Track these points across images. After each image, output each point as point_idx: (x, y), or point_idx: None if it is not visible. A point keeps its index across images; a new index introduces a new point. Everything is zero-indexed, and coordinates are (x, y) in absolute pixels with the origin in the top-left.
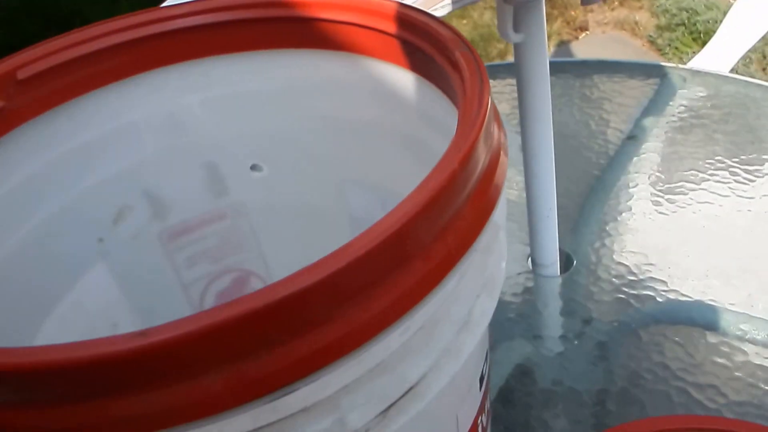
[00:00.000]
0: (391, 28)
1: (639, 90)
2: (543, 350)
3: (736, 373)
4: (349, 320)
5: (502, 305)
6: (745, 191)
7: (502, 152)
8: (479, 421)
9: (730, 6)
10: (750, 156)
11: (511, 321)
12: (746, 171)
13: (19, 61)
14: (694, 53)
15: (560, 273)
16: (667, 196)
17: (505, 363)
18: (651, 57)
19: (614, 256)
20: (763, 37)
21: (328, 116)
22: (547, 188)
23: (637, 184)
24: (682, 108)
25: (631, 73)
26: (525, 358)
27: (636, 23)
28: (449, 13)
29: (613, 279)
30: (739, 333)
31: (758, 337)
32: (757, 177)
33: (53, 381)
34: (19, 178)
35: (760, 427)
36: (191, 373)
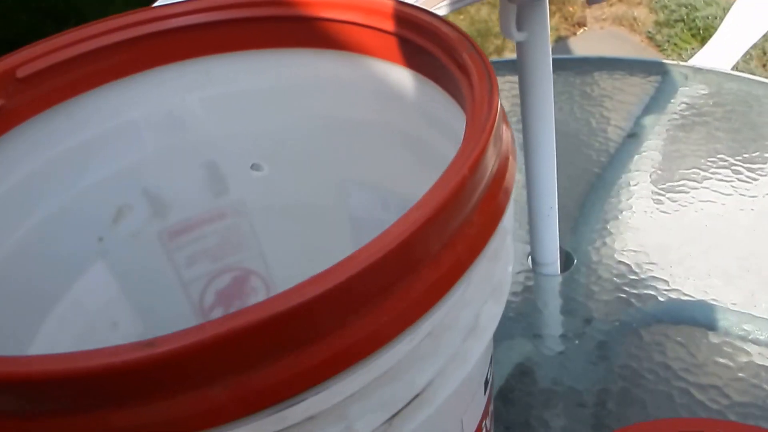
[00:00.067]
0: (394, 27)
1: (640, 87)
2: (543, 349)
3: (739, 374)
4: (358, 330)
5: None
6: (747, 190)
7: (510, 156)
8: (483, 425)
9: (729, 2)
10: (753, 154)
11: (511, 320)
12: (749, 169)
13: (18, 59)
14: (693, 49)
15: (560, 272)
16: (668, 195)
17: (505, 362)
18: (649, 53)
19: (615, 255)
20: (765, 34)
21: (330, 116)
22: (548, 187)
23: (638, 183)
24: (684, 105)
25: (631, 71)
26: (525, 358)
27: (635, 19)
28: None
29: (614, 278)
30: (741, 333)
31: (761, 338)
32: (760, 175)
33: (58, 391)
34: (19, 177)
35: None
36: (198, 383)
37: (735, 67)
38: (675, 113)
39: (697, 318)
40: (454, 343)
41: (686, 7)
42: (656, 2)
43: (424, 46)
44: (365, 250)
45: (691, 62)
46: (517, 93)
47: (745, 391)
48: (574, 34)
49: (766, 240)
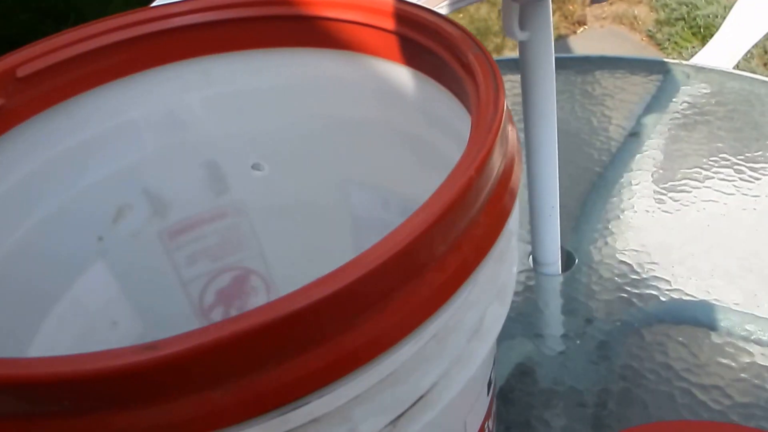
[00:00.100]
0: (396, 26)
1: (641, 86)
2: (544, 349)
3: (742, 375)
4: (363, 333)
5: None
6: (750, 189)
7: (516, 156)
8: (486, 426)
9: (731, 1)
10: (755, 153)
11: (512, 320)
12: (751, 169)
13: (18, 58)
14: (694, 48)
15: (562, 271)
16: (670, 194)
17: (506, 362)
18: (650, 52)
19: (616, 255)
20: (767, 33)
21: (331, 115)
22: (550, 186)
23: (639, 182)
24: (686, 105)
25: (633, 69)
26: (526, 357)
27: (635, 17)
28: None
29: (616, 278)
30: (744, 333)
31: (764, 338)
32: (763, 175)
33: (59, 394)
34: (19, 177)
35: None
36: (200, 386)
37: (736, 66)
38: (677, 112)
39: (699, 318)
40: (458, 345)
41: (687, 6)
42: (657, 0)
43: (427, 45)
44: (371, 253)
45: (693, 61)
46: (517, 92)
47: (748, 392)
48: (574, 32)
49: None
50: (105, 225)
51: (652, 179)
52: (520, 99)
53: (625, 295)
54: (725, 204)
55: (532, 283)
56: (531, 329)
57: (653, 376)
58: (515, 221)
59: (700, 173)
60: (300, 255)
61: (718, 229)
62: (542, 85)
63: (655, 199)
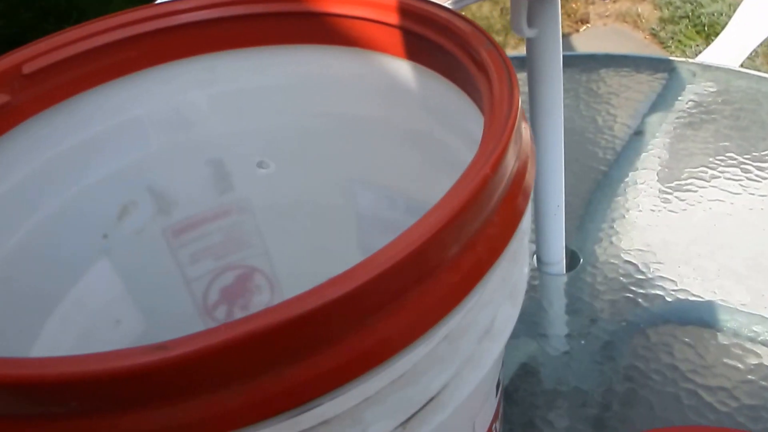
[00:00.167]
0: (406, 22)
1: (647, 85)
2: (548, 349)
3: (749, 376)
4: (375, 334)
5: None
6: (757, 189)
7: (530, 154)
8: (493, 428)
9: None
10: (762, 153)
11: (516, 319)
12: (759, 168)
13: (24, 55)
14: (698, 47)
15: (566, 271)
16: (676, 193)
17: (510, 362)
18: (653, 50)
19: (621, 254)
20: None
21: (337, 113)
22: (556, 185)
23: (645, 181)
24: (692, 103)
25: (638, 68)
26: (530, 357)
27: (638, 16)
28: None
29: (621, 277)
30: (751, 335)
31: None
32: None
33: (67, 394)
34: (23, 174)
35: None
36: (211, 387)
37: (741, 65)
38: (682, 111)
39: (705, 319)
40: (470, 346)
41: (691, 4)
42: None
43: (437, 41)
44: (384, 253)
45: (699, 59)
46: (522, 90)
47: (755, 394)
48: (577, 31)
49: None
50: (109, 223)
51: (657, 178)
52: (525, 97)
53: (630, 295)
54: (732, 204)
55: (536, 282)
56: (535, 329)
57: (659, 377)
58: (528, 221)
59: (707, 172)
60: (304, 254)
61: (724, 229)
62: (549, 83)
63: (660, 198)
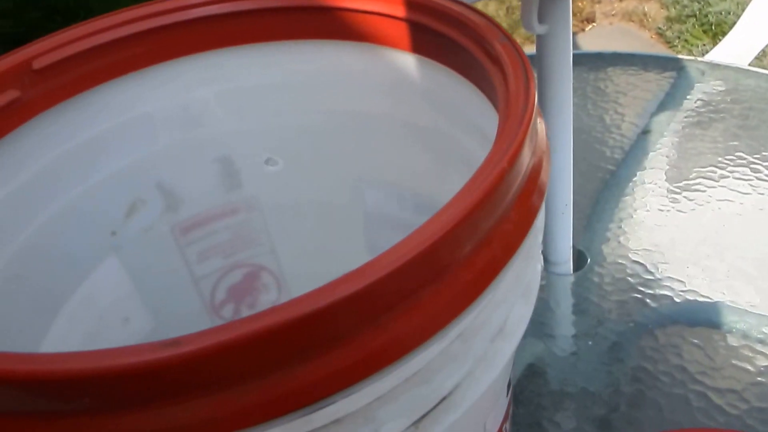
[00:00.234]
0: (417, 16)
1: (655, 83)
2: (555, 350)
3: (759, 378)
4: (389, 332)
5: None
6: (767, 188)
7: (546, 150)
8: (504, 428)
9: None
10: None
11: (529, 319)
12: None
13: (34, 51)
14: (705, 46)
15: (573, 271)
16: (684, 193)
17: (517, 363)
18: (659, 50)
19: (629, 254)
20: None
21: (346, 110)
22: (564, 184)
23: (653, 181)
24: (700, 102)
25: (646, 66)
26: (537, 358)
27: (645, 15)
28: None
29: (628, 277)
30: (761, 336)
31: None
32: None
33: (80, 391)
34: (34, 170)
35: None
36: (223, 385)
37: (749, 65)
38: (691, 110)
39: (714, 320)
40: (483, 345)
41: (699, 2)
42: None
43: (449, 35)
44: (399, 248)
45: (708, 58)
46: None
47: (765, 396)
48: (583, 30)
49: None
50: (118, 220)
51: (665, 178)
52: None
53: (638, 296)
54: (741, 204)
55: (543, 282)
56: (542, 329)
57: (667, 379)
58: (542, 219)
59: (715, 172)
60: (312, 252)
61: (733, 229)
62: (559, 80)
63: (669, 198)
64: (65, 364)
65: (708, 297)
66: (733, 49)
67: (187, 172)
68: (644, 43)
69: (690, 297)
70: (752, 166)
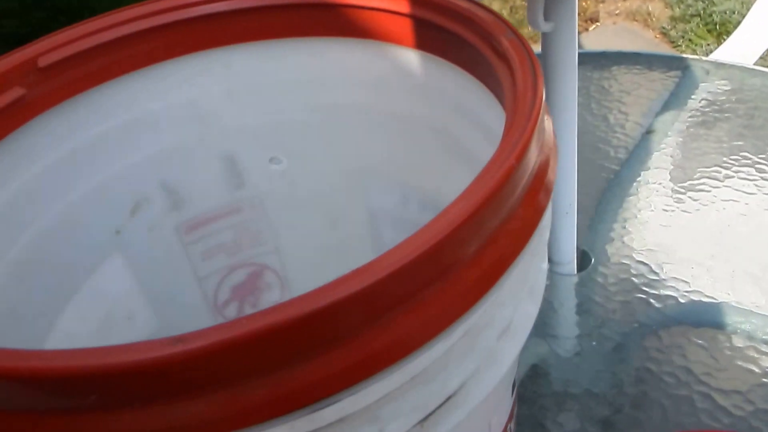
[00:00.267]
0: (424, 12)
1: (660, 83)
2: (559, 350)
3: (764, 379)
4: (395, 330)
5: None
6: None
7: (553, 147)
8: (508, 428)
9: None
10: None
11: (535, 318)
12: None
13: (40, 48)
14: (709, 46)
15: (577, 271)
16: (689, 193)
17: (520, 363)
18: (663, 49)
19: (633, 255)
20: None
21: (352, 108)
22: (569, 184)
23: (657, 180)
24: (705, 102)
25: (651, 65)
26: (540, 359)
27: (649, 14)
28: None
29: (633, 278)
30: (766, 337)
31: None
32: None
33: (87, 388)
34: (38, 169)
35: None
36: (229, 382)
37: (754, 64)
38: (696, 109)
39: (719, 320)
40: (488, 344)
41: (704, 1)
42: None
43: (456, 31)
44: (406, 246)
45: (713, 57)
46: None
47: None
48: (586, 29)
49: None
50: (123, 218)
51: (670, 178)
52: None
53: (642, 296)
54: (746, 204)
55: (546, 282)
56: (545, 330)
57: (672, 380)
58: (548, 218)
59: (720, 172)
60: (316, 251)
61: (739, 230)
62: (564, 79)
63: (673, 198)
64: (71, 361)
65: (713, 297)
66: (738, 49)
67: (192, 171)
68: (648, 42)
69: (695, 297)
70: (757, 166)
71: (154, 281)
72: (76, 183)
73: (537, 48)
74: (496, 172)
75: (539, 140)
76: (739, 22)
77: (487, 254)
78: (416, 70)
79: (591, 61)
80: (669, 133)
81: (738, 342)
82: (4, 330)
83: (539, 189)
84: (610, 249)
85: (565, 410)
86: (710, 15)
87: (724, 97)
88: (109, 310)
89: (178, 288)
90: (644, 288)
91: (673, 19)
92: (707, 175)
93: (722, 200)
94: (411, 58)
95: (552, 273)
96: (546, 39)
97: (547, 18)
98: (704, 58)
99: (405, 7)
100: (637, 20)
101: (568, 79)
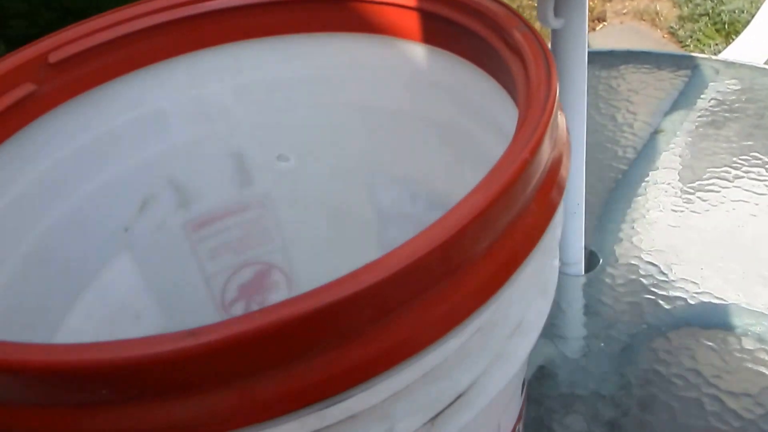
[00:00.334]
0: (434, 6)
1: (668, 82)
2: (566, 352)
3: None
4: (409, 325)
5: None
6: None
7: (565, 148)
8: (517, 429)
9: None
10: None
11: (546, 316)
12: None
13: (51, 44)
14: (717, 45)
15: (585, 272)
16: (698, 194)
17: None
18: (671, 49)
19: (642, 255)
20: None
21: (360, 105)
22: (577, 183)
23: (665, 181)
24: (714, 101)
25: (660, 64)
26: (547, 360)
27: (657, 13)
28: None
29: (641, 279)
30: None
31: None
32: None
33: (98, 382)
34: (48, 165)
35: None
36: (240, 377)
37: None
38: (705, 109)
39: (729, 322)
40: (500, 342)
41: (712, 1)
42: None
43: (468, 25)
44: (420, 239)
45: (723, 56)
46: None
47: None
48: (593, 29)
49: None
50: (130, 216)
51: (679, 178)
52: None
53: (650, 297)
54: (756, 204)
55: None
56: (553, 331)
57: (680, 382)
58: (561, 215)
59: (730, 172)
60: (323, 250)
61: (749, 230)
62: (574, 76)
63: (682, 198)
64: (82, 354)
65: (722, 299)
66: (748, 48)
67: (200, 168)
68: (656, 42)
69: (704, 299)
70: (767, 166)
71: (162, 279)
72: (84, 180)
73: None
74: (509, 166)
75: (552, 136)
76: (748, 22)
77: (500, 250)
78: (426, 65)
79: (599, 59)
80: (678, 132)
81: (748, 344)
82: (13, 326)
83: (552, 185)
84: (619, 249)
85: (572, 412)
86: (719, 14)
87: (734, 97)
88: (116, 308)
89: (185, 286)
90: (653, 289)
91: (681, 18)
92: (717, 175)
93: (732, 201)
94: (421, 53)
95: (559, 273)
96: (556, 36)
97: (557, 14)
98: (714, 57)
99: (413, 1)
100: (644, 20)
101: (578, 77)
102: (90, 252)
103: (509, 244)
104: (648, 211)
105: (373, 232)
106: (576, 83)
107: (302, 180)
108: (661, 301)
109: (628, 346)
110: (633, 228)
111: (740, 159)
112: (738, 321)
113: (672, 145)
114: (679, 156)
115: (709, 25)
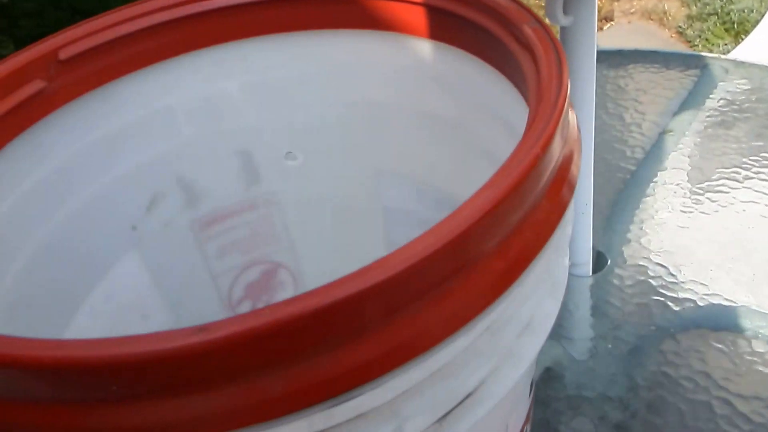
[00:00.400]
0: (442, 2)
1: (677, 81)
2: (573, 353)
3: None
4: (418, 322)
5: None
6: None
7: (577, 143)
8: (525, 430)
9: None
10: None
11: (556, 316)
12: None
13: (61, 41)
14: (726, 45)
15: (592, 272)
16: (707, 194)
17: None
18: (679, 49)
19: (651, 256)
20: None
21: (367, 102)
22: (584, 182)
23: (674, 181)
24: (724, 101)
25: (668, 64)
26: (554, 361)
27: (665, 13)
28: None
29: (650, 280)
30: None
31: None
32: None
33: (109, 378)
34: (56, 163)
35: None
36: (250, 374)
37: None
38: (714, 109)
39: (739, 324)
40: (510, 340)
41: (721, 0)
42: None
43: (477, 21)
44: (429, 236)
45: (732, 55)
46: None
47: None
48: (601, 29)
49: None
50: (138, 214)
51: (687, 178)
52: None
53: (659, 299)
54: (767, 206)
55: None
56: (560, 332)
57: (690, 384)
58: (571, 213)
59: (740, 173)
60: (330, 249)
61: (759, 231)
62: (583, 75)
63: (691, 199)
64: (92, 350)
65: (732, 301)
66: (758, 48)
67: (207, 167)
68: (664, 42)
69: (714, 300)
70: None
71: (169, 278)
72: (93, 177)
73: None
74: (521, 162)
75: (564, 132)
76: (757, 21)
77: (511, 247)
78: (434, 62)
79: (607, 59)
80: (687, 132)
81: (759, 347)
82: (20, 325)
83: (563, 183)
84: (627, 250)
85: (579, 414)
86: (728, 13)
87: (743, 97)
88: (123, 307)
89: (192, 285)
90: (661, 290)
91: (689, 17)
92: (726, 176)
93: (742, 201)
94: (428, 49)
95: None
96: (564, 33)
97: (566, 12)
98: (723, 56)
99: None
100: (652, 19)
101: (587, 75)
102: (98, 250)
103: (520, 241)
104: (657, 211)
105: (380, 230)
106: (585, 82)
107: (309, 178)
108: (669, 303)
109: (636, 347)
110: (641, 229)
111: (750, 159)
112: (748, 323)
113: (681, 146)
114: (688, 156)
115: (717, 24)
